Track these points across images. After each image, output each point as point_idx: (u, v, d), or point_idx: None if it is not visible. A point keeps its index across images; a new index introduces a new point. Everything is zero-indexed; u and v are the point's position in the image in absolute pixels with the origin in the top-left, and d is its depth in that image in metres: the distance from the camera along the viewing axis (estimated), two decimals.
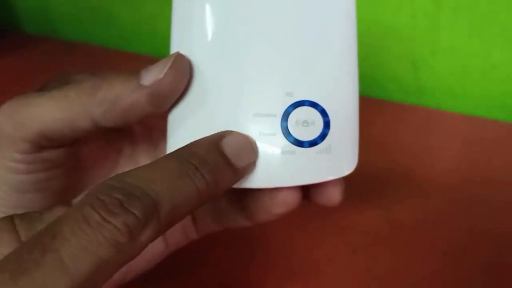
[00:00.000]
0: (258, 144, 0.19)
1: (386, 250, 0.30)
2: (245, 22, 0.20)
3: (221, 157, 0.18)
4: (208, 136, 0.19)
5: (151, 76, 0.19)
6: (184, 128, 0.20)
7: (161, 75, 0.19)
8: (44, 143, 0.20)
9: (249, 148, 0.19)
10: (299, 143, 0.19)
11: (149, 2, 0.59)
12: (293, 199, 0.21)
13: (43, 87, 0.54)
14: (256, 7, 0.20)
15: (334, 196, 0.21)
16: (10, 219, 0.16)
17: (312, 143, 0.20)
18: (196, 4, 0.20)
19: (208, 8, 0.20)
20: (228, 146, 0.18)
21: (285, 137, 0.19)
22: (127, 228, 0.15)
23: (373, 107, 0.47)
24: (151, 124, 0.25)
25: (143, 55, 0.57)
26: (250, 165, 0.19)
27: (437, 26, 0.44)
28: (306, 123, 0.19)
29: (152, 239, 0.16)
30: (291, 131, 0.19)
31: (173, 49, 0.20)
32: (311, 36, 0.20)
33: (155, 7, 0.59)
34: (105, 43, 0.64)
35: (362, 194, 0.35)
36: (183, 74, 0.20)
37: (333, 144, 0.20)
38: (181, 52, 0.20)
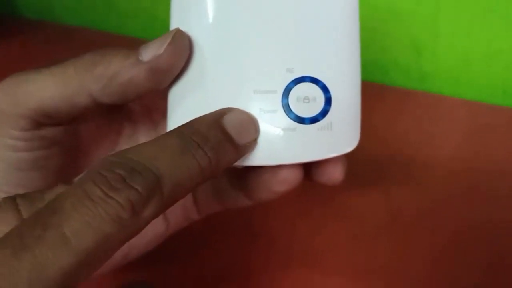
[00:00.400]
0: (259, 121, 0.19)
1: (387, 237, 0.30)
2: None
3: (223, 134, 0.18)
4: (209, 114, 0.19)
5: (150, 51, 0.19)
6: (184, 106, 0.20)
7: (161, 51, 0.19)
8: (42, 120, 0.20)
9: (251, 125, 0.19)
10: (300, 120, 0.19)
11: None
12: (294, 177, 0.21)
13: None
14: None
15: (336, 175, 0.21)
16: (13, 198, 0.16)
17: (313, 120, 0.19)
18: None
19: None
20: (229, 123, 0.18)
21: (286, 113, 0.19)
22: (129, 203, 0.15)
23: (374, 93, 0.46)
24: (151, 105, 0.25)
25: (144, 39, 0.57)
26: (251, 143, 0.19)
27: (440, 11, 0.44)
28: (307, 100, 0.19)
29: (155, 215, 0.16)
30: (292, 108, 0.19)
31: (173, 26, 0.20)
32: (312, 12, 0.19)
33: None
34: (105, 29, 0.64)
35: (363, 181, 0.35)
36: (182, 51, 0.19)
37: (335, 121, 0.20)
38: (180, 28, 0.20)
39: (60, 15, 0.70)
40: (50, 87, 0.20)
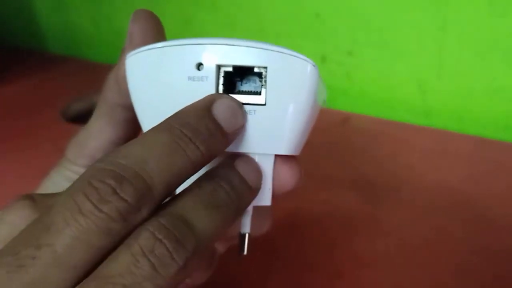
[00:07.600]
0: None
1: (392, 264, 0.31)
2: None
3: (214, 124, 0.17)
4: (199, 101, 0.18)
5: None
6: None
7: None
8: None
9: (239, 111, 0.18)
10: None
11: (167, 24, 0.61)
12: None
13: (66, 109, 0.57)
14: None
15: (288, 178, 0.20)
16: (31, 197, 0.17)
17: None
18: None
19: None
20: (219, 112, 0.18)
21: None
22: (119, 215, 0.15)
23: (383, 128, 0.48)
24: None
25: None
26: (239, 129, 0.18)
27: (443, 51, 0.45)
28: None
29: (146, 218, 0.15)
30: None
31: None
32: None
33: (174, 27, 0.61)
34: None
35: (370, 209, 0.36)
36: None
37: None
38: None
39: (84, 51, 0.74)
40: (97, 120, 0.22)
